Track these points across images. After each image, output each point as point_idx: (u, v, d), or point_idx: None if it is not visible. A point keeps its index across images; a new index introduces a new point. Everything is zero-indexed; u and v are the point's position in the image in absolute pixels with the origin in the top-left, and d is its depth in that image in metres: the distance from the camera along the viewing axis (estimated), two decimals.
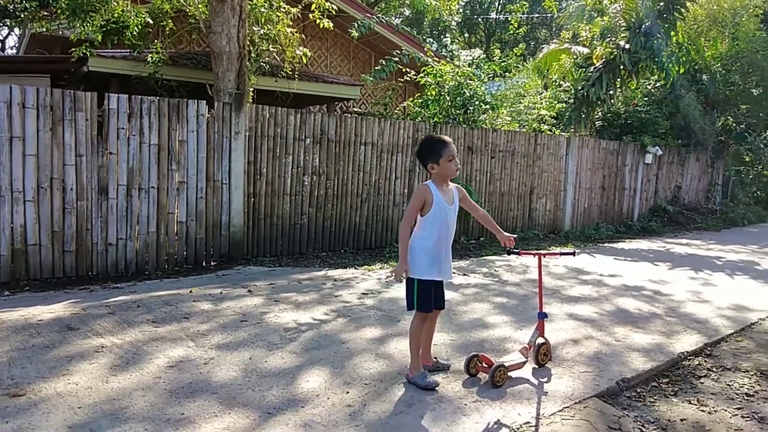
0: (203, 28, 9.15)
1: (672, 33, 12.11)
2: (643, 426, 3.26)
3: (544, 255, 4.11)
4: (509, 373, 3.71)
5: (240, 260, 7.32)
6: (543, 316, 4.02)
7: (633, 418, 3.35)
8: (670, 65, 12.04)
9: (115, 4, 8.60)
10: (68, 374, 3.49)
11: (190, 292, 5.65)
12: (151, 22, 9.29)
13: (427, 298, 3.56)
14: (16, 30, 18.54)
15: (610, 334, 4.85)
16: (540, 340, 3.97)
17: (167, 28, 9.63)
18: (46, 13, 9.12)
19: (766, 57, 15.97)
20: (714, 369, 4.22)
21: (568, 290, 6.51)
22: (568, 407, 3.39)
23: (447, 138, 3.66)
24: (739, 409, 3.52)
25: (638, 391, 3.78)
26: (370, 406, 3.25)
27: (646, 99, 14.78)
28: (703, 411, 3.49)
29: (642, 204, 13.98)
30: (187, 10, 9.34)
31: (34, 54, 11.59)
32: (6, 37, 25.43)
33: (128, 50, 9.34)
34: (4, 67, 10.32)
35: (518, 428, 3.10)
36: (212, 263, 7.16)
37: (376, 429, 3.00)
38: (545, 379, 3.79)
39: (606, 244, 10.78)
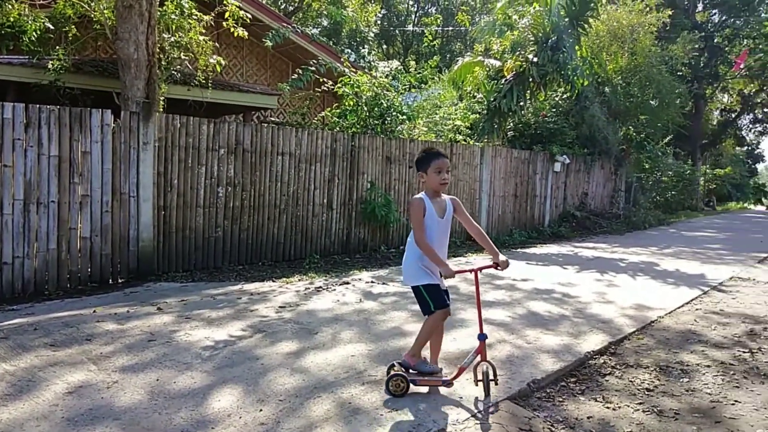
0: (110, 34, 8.73)
1: (576, 47, 12.80)
2: (552, 425, 3.37)
3: (481, 269, 3.78)
4: (423, 388, 3.67)
5: (150, 276, 7.01)
6: (483, 337, 3.64)
7: (543, 418, 3.46)
8: (576, 78, 12.72)
9: (10, 7, 8.08)
10: None
11: (94, 311, 5.34)
12: (51, 27, 8.78)
13: (438, 295, 3.64)
14: None
15: (522, 337, 5.01)
16: (484, 367, 3.59)
17: (70, 34, 9.13)
18: None
19: (661, 71, 17.22)
20: (618, 366, 4.44)
21: (483, 295, 6.66)
22: (481, 411, 3.45)
23: (443, 151, 3.73)
24: (640, 404, 3.72)
25: (548, 391, 3.92)
26: (285, 423, 3.18)
27: (554, 110, 15.50)
28: (608, 408, 3.65)
29: (552, 210, 14.61)
30: (92, 15, 8.90)
31: None
32: None
33: (27, 56, 8.79)
34: None
35: None
36: (120, 280, 6.81)
37: None
38: (460, 384, 3.85)
39: (519, 250, 11.17)
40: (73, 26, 9.10)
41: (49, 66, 8.67)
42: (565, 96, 15.57)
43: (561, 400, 3.79)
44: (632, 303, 6.50)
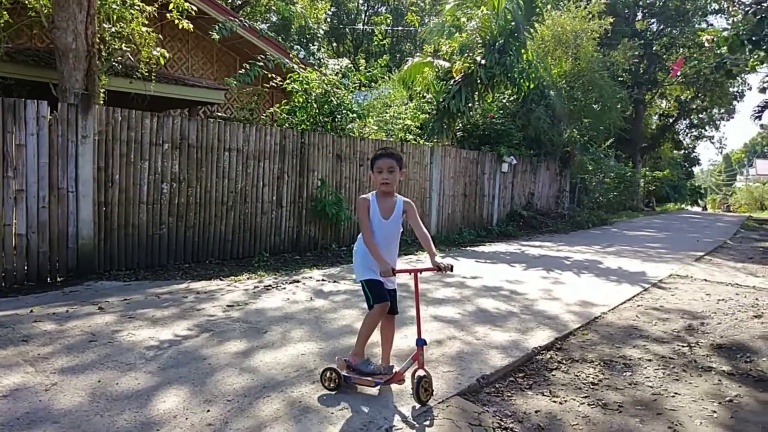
0: (46, 23, 8.35)
1: (522, 51, 13.08)
2: (501, 420, 3.42)
3: (421, 271, 3.73)
4: (359, 387, 3.61)
5: (91, 275, 6.73)
6: (421, 343, 3.53)
7: (492, 413, 3.51)
8: (522, 81, 13.01)
9: None
10: None
11: (31, 311, 5.08)
12: None
13: (378, 291, 3.61)
14: None
15: (472, 334, 5.07)
16: (420, 373, 3.45)
17: (2, 21, 8.66)
18: None
19: (603, 76, 17.82)
20: (564, 361, 4.55)
21: (434, 293, 6.73)
22: (432, 407, 3.47)
23: (389, 152, 3.70)
24: (586, 397, 3.82)
25: (497, 386, 3.97)
26: (233, 423, 3.10)
27: (501, 112, 15.80)
28: (554, 402, 3.73)
29: (500, 209, 14.89)
30: (27, 1, 8.47)
31: None
32: None
33: None
34: None
35: None
36: (58, 279, 6.51)
37: None
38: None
39: (468, 248, 11.33)
40: (5, 12, 8.65)
41: None
42: (512, 98, 15.89)
43: (509, 394, 3.85)
44: (577, 300, 6.68)
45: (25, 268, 6.30)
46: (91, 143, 6.72)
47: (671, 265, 9.67)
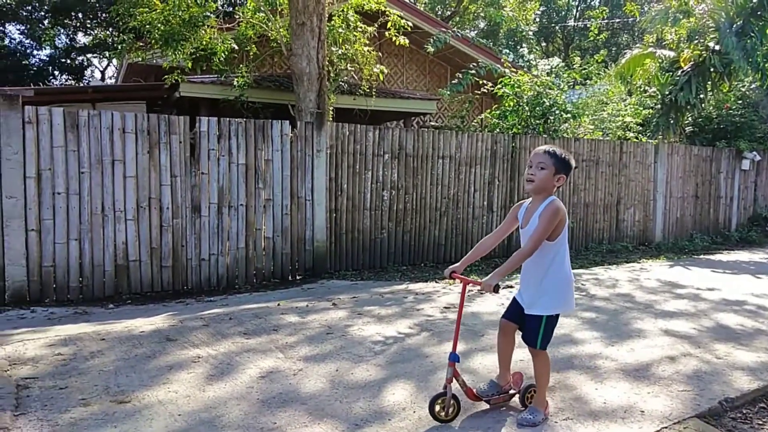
0: (284, 51, 9.52)
1: (767, 31, 11.37)
2: None
3: (470, 282, 3.38)
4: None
5: (323, 274, 7.49)
6: (455, 358, 3.21)
7: None
8: (767, 65, 11.30)
9: (203, 32, 9.13)
10: (168, 383, 3.69)
11: (278, 305, 5.83)
12: (236, 47, 9.77)
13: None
14: (114, 61, 20.00)
15: (710, 351, 4.57)
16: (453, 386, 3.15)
17: (251, 53, 10.09)
18: (141, 44, 9.81)
19: None
20: None
21: (662, 305, 6.19)
22: (666, 427, 3.22)
23: (545, 150, 3.20)
24: None
25: (744, 412, 3.54)
26: (457, 421, 3.22)
27: (740, 102, 13.90)
28: None
29: (740, 213, 13.12)
30: (269, 34, 9.76)
31: (130, 82, 12.46)
32: (105, 67, 27.53)
33: (216, 75, 9.86)
34: (104, 95, 11.16)
35: None
36: (297, 277, 7.37)
37: None
38: (640, 398, 3.61)
39: (702, 256, 10.19)
40: (253, 45, 10.06)
41: (234, 83, 9.66)
42: (753, 86, 13.90)
43: (761, 423, 3.41)
44: None
45: (272, 267, 7.23)
46: (324, 156, 7.49)
47: None
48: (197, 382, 3.71)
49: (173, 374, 3.84)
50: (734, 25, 11.39)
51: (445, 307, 5.88)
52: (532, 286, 3.25)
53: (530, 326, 3.24)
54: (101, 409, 3.28)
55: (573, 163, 3.22)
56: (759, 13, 11.31)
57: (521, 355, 4.21)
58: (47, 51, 24.88)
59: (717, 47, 11.45)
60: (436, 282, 7.30)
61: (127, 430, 3.05)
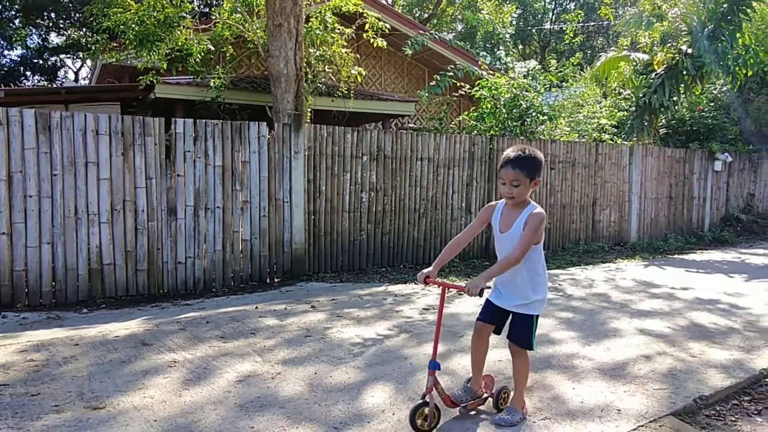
0: (261, 52, 9.46)
1: (738, 35, 11.61)
2: None
3: (449, 287, 3.35)
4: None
5: (302, 276, 7.45)
6: (435, 366, 3.12)
7: None
8: (737, 68, 11.55)
9: (179, 33, 9.02)
10: (143, 388, 3.63)
11: (256, 308, 5.78)
12: (212, 48, 9.68)
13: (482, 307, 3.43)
14: (89, 61, 19.70)
15: (685, 350, 4.64)
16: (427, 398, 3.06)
17: (228, 54, 10.00)
18: (115, 45, 9.66)
19: None
20: None
21: (638, 304, 6.28)
22: (642, 426, 3.25)
23: (516, 159, 3.11)
24: None
25: (717, 409, 3.60)
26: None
27: (712, 104, 14.20)
28: None
29: (713, 213, 13.39)
30: (246, 35, 9.68)
31: (105, 83, 12.27)
32: (79, 68, 27.10)
33: (192, 76, 9.75)
34: (77, 96, 10.97)
35: None
36: (276, 280, 7.31)
37: None
38: (617, 397, 3.65)
39: (676, 256, 10.36)
40: (230, 46, 9.98)
41: (211, 84, 9.56)
42: (724, 89, 14.20)
43: (734, 419, 3.46)
44: None
45: (249, 269, 7.17)
46: (302, 158, 7.45)
47: None
48: (173, 387, 3.65)
49: (149, 379, 3.78)
50: (706, 29, 11.62)
51: (425, 309, 5.88)
52: (520, 286, 3.24)
53: (521, 327, 3.24)
54: (75, 416, 3.21)
55: (541, 157, 3.20)
56: (729, 17, 11.54)
57: (498, 356, 4.24)
58: (19, 51, 24.44)
59: (689, 50, 11.68)
60: (415, 284, 7.30)
61: None
